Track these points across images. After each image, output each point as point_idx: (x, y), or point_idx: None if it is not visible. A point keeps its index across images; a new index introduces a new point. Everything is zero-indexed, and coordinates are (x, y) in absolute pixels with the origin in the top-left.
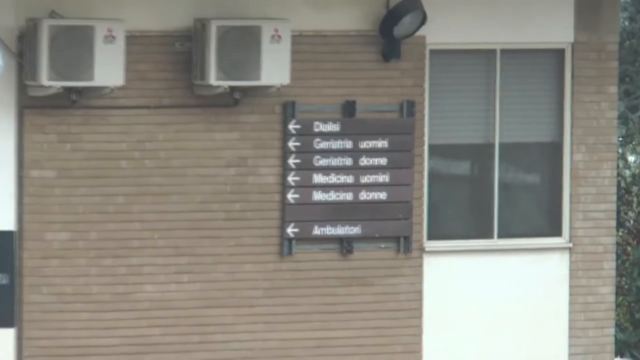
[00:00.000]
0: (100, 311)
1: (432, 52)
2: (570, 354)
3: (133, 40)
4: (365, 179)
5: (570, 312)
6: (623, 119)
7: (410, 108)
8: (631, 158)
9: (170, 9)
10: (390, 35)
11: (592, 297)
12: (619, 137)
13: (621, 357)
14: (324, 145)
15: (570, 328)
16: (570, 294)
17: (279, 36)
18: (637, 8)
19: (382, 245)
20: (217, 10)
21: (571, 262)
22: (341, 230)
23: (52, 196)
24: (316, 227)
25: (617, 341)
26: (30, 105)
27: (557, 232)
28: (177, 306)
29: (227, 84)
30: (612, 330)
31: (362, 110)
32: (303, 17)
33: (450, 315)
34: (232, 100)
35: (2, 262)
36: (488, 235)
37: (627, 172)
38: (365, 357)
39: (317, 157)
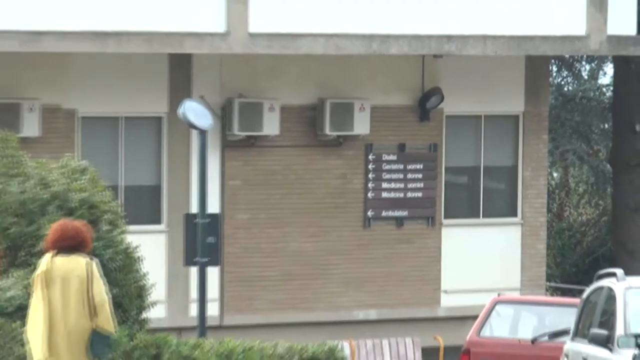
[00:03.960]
0: (268, 257)
1: (447, 116)
2: (521, 282)
3: (284, 109)
4: (409, 185)
5: (521, 259)
6: (550, 153)
7: (434, 147)
8: (555, 174)
9: (305, 92)
10: (424, 107)
11: (533, 250)
12: (548, 163)
13: (548, 282)
14: (387, 167)
15: (521, 268)
16: (521, 249)
17: (363, 108)
18: (559, 94)
19: (419, 222)
20: (330, 92)
21: (522, 231)
22: (397, 213)
23: (239, 195)
24: (383, 212)
25: (547, 274)
26: (228, 145)
27: (515, 214)
28: (311, 254)
29: (335, 133)
30: (544, 268)
31: (408, 148)
32: (377, 97)
33: (456, 260)
34: (338, 142)
35: (213, 230)
36: (477, 215)
37: (553, 183)
38: (410, 282)
39: (384, 173)
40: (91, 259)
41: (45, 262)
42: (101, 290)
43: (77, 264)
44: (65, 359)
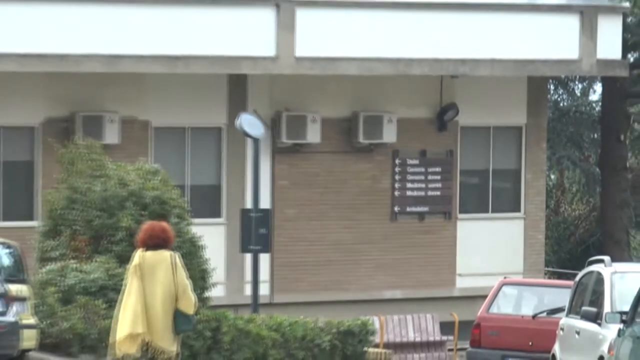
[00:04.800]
0: (310, 245)
1: (461, 127)
2: (524, 267)
3: (324, 121)
4: (430, 185)
5: (524, 247)
6: (548, 159)
7: (451, 153)
8: (552, 176)
9: (341, 106)
10: (442, 119)
11: (534, 240)
12: (546, 167)
13: (546, 267)
14: (411, 169)
15: (524, 255)
16: (524, 239)
17: (391, 120)
18: (556, 108)
19: (438, 216)
20: (363, 106)
21: (524, 224)
22: (419, 209)
23: (286, 193)
24: (407, 207)
25: (545, 260)
26: (277, 151)
27: (518, 210)
28: (346, 243)
29: (367, 141)
30: (543, 256)
31: (429, 153)
32: (402, 110)
33: (469, 248)
34: (369, 148)
35: (264, 222)
36: (486, 210)
37: (550, 183)
38: (430, 267)
39: (408, 175)
40: (174, 252)
41: (137, 256)
42: (183, 278)
43: (163, 258)
44: (155, 334)
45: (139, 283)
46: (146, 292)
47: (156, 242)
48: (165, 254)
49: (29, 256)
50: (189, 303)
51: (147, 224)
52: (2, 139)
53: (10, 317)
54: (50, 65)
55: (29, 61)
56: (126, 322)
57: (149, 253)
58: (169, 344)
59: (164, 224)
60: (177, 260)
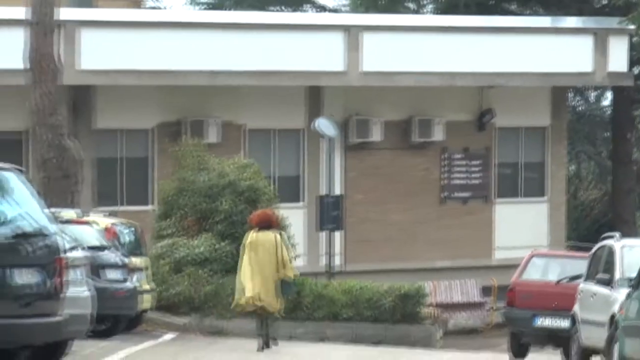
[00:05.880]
0: (375, 225)
1: (497, 128)
2: (549, 242)
3: (386, 123)
4: (471, 175)
5: (549, 226)
6: (568, 153)
7: (488, 149)
8: (572, 167)
9: (399, 111)
10: (481, 122)
11: (556, 220)
12: (566, 160)
13: (566, 241)
14: (456, 162)
15: (548, 232)
16: (548, 219)
17: (439, 122)
18: (574, 112)
19: (478, 200)
20: (417, 111)
21: (549, 207)
22: (462, 194)
23: (355, 182)
24: (453, 193)
25: (566, 236)
26: (348, 148)
27: (544, 195)
28: (405, 222)
29: (420, 140)
30: (564, 232)
31: (471, 149)
32: (449, 114)
33: (504, 226)
34: (422, 145)
35: (336, 206)
36: (517, 195)
37: (570, 173)
38: (472, 241)
39: (453, 167)
40: (280, 233)
41: (250, 236)
42: (285, 253)
43: (270, 237)
44: (265, 296)
45: (252, 256)
46: (256, 264)
47: (264, 225)
48: (270, 235)
49: (146, 234)
50: (289, 272)
51: (258, 211)
52: (124, 140)
53: (130, 284)
54: (163, 79)
55: (146, 76)
56: (245, 286)
57: (260, 233)
58: (274, 302)
59: (269, 211)
60: (279, 239)
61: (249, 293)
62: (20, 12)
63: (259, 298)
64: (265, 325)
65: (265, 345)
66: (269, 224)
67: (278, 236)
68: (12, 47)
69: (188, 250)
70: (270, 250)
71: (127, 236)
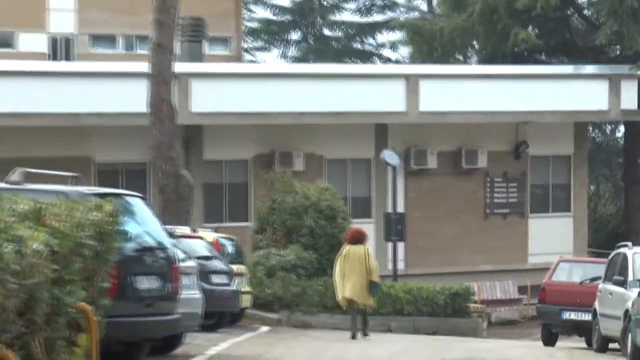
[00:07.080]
0: (431, 237)
1: (531, 156)
2: (573, 250)
3: (439, 153)
4: (510, 195)
5: (573, 236)
6: (588, 176)
7: (524, 174)
8: (592, 187)
9: (450, 143)
10: (517, 151)
11: (580, 231)
12: (587, 181)
13: (588, 249)
14: (497, 185)
15: (573, 241)
16: (573, 230)
17: (483, 152)
18: (593, 142)
19: (516, 216)
20: (465, 143)
21: (573, 220)
22: (503, 210)
23: (415, 201)
24: (495, 210)
25: (587, 245)
26: (409, 173)
27: (569, 210)
28: (455, 234)
29: (468, 167)
30: (586, 241)
31: (509, 174)
32: (490, 145)
33: (537, 237)
34: (469, 171)
35: (400, 221)
36: (547, 211)
37: (590, 192)
38: (510, 249)
39: (495, 188)
40: (367, 247)
41: (345, 249)
42: (372, 262)
43: (360, 250)
44: (357, 297)
45: (346, 266)
46: (349, 271)
47: (356, 240)
48: (361, 248)
49: (246, 246)
50: (375, 277)
51: (353, 228)
52: (227, 168)
53: (233, 287)
54: (258, 119)
55: (245, 117)
56: (342, 289)
57: (352, 247)
58: (366, 300)
59: (360, 228)
60: (368, 252)
61: (345, 294)
62: (144, 66)
63: (353, 299)
64: (358, 320)
65: (354, 336)
66: (360, 239)
67: (366, 249)
68: (138, 95)
69: (279, 258)
70: (360, 259)
71: (229, 248)
